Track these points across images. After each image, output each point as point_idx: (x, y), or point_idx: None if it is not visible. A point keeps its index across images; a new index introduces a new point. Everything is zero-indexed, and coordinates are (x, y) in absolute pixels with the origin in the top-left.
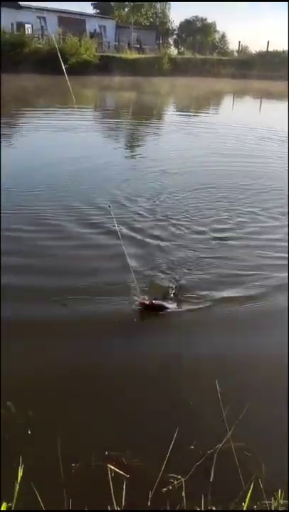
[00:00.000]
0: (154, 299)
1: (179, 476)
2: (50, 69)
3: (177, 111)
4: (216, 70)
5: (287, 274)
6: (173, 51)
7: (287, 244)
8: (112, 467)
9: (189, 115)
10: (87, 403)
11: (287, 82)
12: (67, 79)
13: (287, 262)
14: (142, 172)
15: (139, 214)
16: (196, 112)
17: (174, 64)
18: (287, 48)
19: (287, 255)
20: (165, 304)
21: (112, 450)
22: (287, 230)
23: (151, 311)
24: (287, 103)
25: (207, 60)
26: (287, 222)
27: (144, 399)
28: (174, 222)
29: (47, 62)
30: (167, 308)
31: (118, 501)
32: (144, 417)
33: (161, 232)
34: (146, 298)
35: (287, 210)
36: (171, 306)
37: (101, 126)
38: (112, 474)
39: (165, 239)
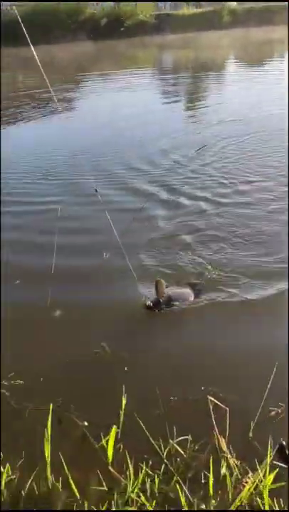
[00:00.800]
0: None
1: (282, 404)
2: (104, 34)
3: (239, 63)
4: (278, 18)
5: None
6: (232, 3)
7: None
8: (212, 399)
9: (252, 66)
10: (179, 342)
11: None
12: (32, 49)
13: None
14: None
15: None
16: (260, 63)
17: (233, 15)
18: None
19: None
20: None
21: (208, 386)
22: None
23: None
24: None
25: (270, 8)
26: None
27: (236, 338)
28: None
29: (100, 28)
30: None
31: (220, 431)
32: (238, 355)
33: None
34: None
35: None
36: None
37: (161, 84)
38: (212, 407)
39: None
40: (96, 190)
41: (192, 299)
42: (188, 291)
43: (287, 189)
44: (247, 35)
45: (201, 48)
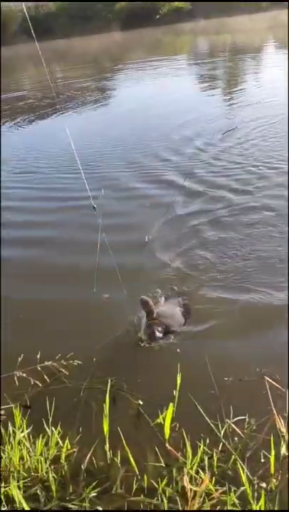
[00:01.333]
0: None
1: None
2: (139, 23)
3: (275, 44)
4: None
5: None
6: None
7: None
8: (269, 380)
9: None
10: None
11: None
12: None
13: None
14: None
15: None
16: None
17: None
18: None
19: None
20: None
21: (262, 367)
22: None
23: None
24: None
25: None
26: None
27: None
28: None
29: (136, 17)
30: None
31: (279, 412)
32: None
33: None
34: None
35: None
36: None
37: (198, 68)
38: (268, 388)
39: None
40: (94, 208)
41: (183, 321)
42: (179, 314)
43: None
44: (280, 17)
45: (235, 31)
